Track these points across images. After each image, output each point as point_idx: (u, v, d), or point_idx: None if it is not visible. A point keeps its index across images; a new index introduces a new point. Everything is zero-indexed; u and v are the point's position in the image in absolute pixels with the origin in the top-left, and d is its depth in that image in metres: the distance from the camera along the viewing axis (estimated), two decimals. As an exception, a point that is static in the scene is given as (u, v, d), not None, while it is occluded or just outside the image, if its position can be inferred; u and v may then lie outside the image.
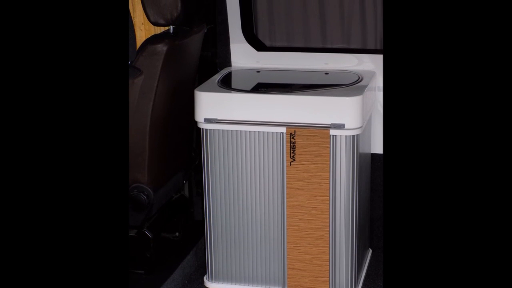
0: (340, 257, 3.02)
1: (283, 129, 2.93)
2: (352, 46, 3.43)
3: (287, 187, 2.98)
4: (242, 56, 3.48)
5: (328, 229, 2.99)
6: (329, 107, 2.89)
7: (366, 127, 3.06)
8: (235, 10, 3.41)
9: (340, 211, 2.97)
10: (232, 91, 3.08)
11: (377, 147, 3.35)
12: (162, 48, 2.91)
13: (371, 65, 3.33)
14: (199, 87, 3.12)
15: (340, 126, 2.87)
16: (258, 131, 2.97)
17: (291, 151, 2.94)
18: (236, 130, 2.99)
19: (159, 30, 3.35)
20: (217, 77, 3.28)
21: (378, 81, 3.28)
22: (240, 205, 3.07)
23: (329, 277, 3.05)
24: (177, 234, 3.50)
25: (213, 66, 3.54)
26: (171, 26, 3.07)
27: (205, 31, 3.38)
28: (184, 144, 3.41)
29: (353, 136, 2.89)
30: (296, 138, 2.92)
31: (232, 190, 3.06)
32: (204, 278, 3.25)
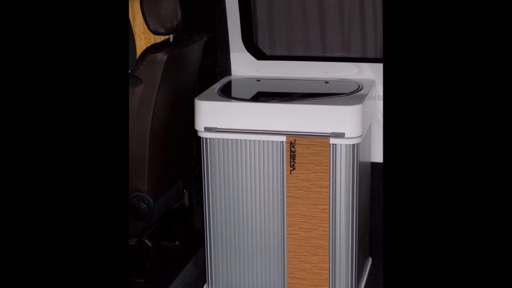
0: (340, 266, 3.02)
1: (283, 138, 2.93)
2: (352, 55, 3.43)
3: (287, 196, 2.98)
4: (242, 65, 3.48)
5: (328, 238, 2.99)
6: (329, 116, 2.89)
7: (366, 136, 3.06)
8: (235, 19, 3.41)
9: (340, 220, 2.97)
10: (232, 100, 3.08)
11: (377, 156, 3.35)
12: (162, 57, 2.91)
13: (371, 74, 3.33)
14: (199, 96, 3.12)
15: (340, 135, 2.87)
16: (258, 140, 2.97)
17: (291, 160, 2.94)
18: (236, 139, 2.99)
19: (159, 39, 3.35)
20: (217, 86, 3.28)
21: (378, 90, 3.28)
22: (240, 214, 3.07)
23: (329, 286, 3.04)
24: (177, 242, 3.50)
25: (213, 75, 3.54)
26: (171, 35, 3.08)
27: (205, 40, 3.38)
28: (184, 153, 3.41)
29: (353, 145, 2.89)
30: (296, 147, 2.92)
31: (232, 199, 3.06)
32: (204, 287, 3.24)
